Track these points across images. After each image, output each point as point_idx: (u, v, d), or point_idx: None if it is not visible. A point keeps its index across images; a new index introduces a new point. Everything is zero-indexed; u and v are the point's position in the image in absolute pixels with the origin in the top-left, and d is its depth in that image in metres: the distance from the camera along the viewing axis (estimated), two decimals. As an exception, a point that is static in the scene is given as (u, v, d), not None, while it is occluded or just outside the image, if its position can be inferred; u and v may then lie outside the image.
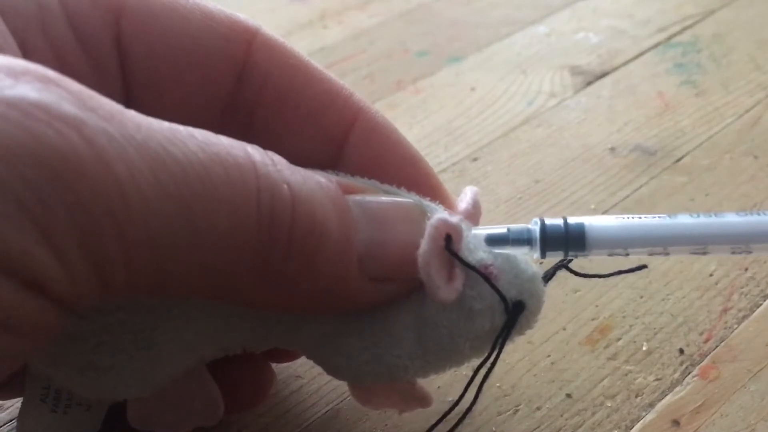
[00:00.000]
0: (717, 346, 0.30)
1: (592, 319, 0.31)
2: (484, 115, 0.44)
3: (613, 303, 0.32)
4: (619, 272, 0.24)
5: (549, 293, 0.32)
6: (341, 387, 0.29)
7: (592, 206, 0.37)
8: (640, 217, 0.23)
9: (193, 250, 0.18)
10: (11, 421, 0.27)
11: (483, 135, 0.43)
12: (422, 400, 0.25)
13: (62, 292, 0.16)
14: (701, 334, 0.30)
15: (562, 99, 0.45)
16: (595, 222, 0.23)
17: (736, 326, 0.31)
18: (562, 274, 0.33)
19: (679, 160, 0.40)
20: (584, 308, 0.32)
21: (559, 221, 0.23)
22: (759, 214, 0.23)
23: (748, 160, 0.40)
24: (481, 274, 0.22)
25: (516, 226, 0.23)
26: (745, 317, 0.31)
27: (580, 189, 0.38)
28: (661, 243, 0.23)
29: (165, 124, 0.18)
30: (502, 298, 0.22)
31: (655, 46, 0.50)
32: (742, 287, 0.32)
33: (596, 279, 0.32)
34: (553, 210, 0.37)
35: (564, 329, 0.31)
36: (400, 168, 0.25)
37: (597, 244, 0.23)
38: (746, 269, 0.33)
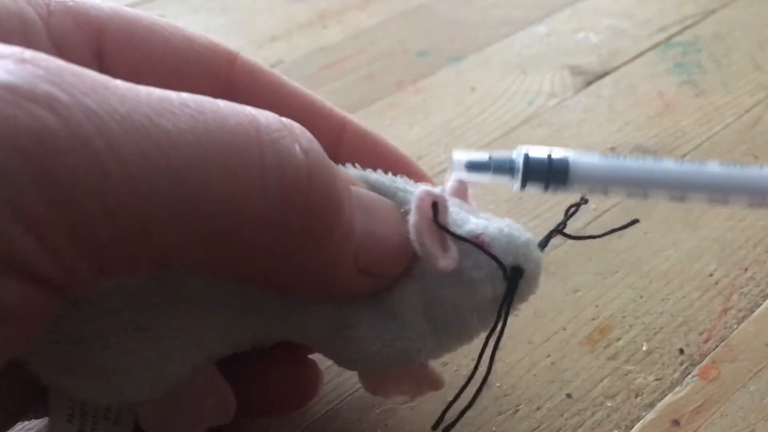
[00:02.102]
0: (717, 346, 0.30)
1: (592, 319, 0.31)
2: (484, 115, 0.44)
3: (613, 303, 0.32)
4: (612, 231, 0.25)
5: (549, 293, 0.32)
6: (341, 387, 0.29)
7: (593, 206, 0.37)
8: (625, 157, 0.23)
9: (188, 220, 0.17)
10: (11, 421, 0.27)
11: (483, 135, 0.43)
12: (435, 382, 0.25)
13: (51, 277, 0.16)
14: (701, 334, 0.30)
15: (563, 99, 0.45)
16: (579, 158, 0.23)
17: (736, 326, 0.31)
18: (562, 273, 0.33)
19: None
20: (584, 308, 0.32)
21: (544, 153, 0.23)
22: (741, 166, 0.23)
23: (748, 161, 0.40)
24: (472, 242, 0.22)
25: (499, 155, 0.23)
26: (745, 317, 0.31)
27: (580, 189, 0.38)
28: (642, 185, 0.23)
29: (155, 94, 0.17)
30: (498, 262, 0.22)
31: (656, 46, 0.50)
32: (742, 287, 0.32)
33: (597, 278, 0.33)
34: (553, 210, 0.37)
35: (564, 329, 0.31)
36: (393, 171, 0.25)
37: (579, 179, 0.23)
38: (746, 269, 0.33)
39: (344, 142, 0.25)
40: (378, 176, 0.24)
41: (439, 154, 0.41)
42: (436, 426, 0.23)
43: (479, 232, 0.22)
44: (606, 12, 0.54)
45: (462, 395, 0.23)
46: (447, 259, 0.22)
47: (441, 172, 0.40)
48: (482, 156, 0.23)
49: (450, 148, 0.41)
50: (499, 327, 0.23)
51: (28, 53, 0.16)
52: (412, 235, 0.22)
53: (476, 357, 0.23)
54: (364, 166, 0.24)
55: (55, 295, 0.17)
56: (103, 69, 0.23)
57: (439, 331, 0.23)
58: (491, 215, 0.24)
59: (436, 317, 0.23)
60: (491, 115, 0.44)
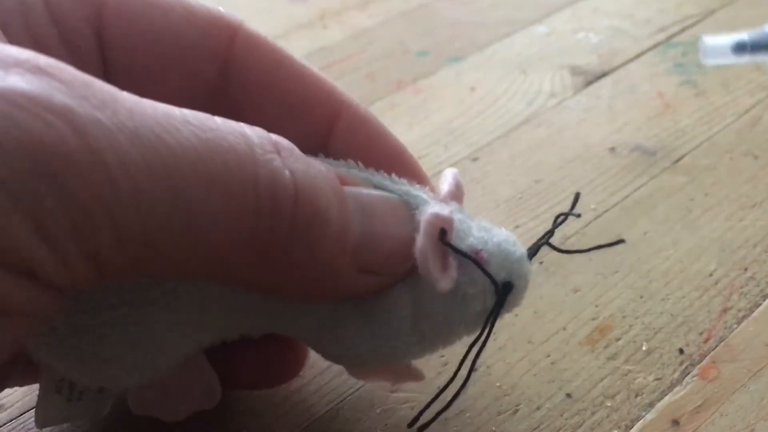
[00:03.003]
0: (717, 346, 0.30)
1: (592, 319, 0.31)
2: (484, 115, 0.44)
3: (613, 303, 0.32)
4: (598, 247, 0.25)
5: (549, 293, 0.32)
6: (341, 387, 0.29)
7: (593, 206, 0.37)
8: None
9: (187, 236, 0.18)
10: (11, 421, 0.27)
11: (483, 135, 0.43)
12: (415, 375, 0.26)
13: (55, 278, 0.17)
14: (701, 334, 0.30)
15: (562, 99, 0.45)
16: None
17: (735, 326, 0.31)
18: (562, 273, 0.33)
19: (679, 160, 0.40)
20: (584, 308, 0.32)
21: None
22: None
23: (748, 160, 0.40)
24: (475, 261, 0.22)
25: (755, 32, 0.22)
26: (744, 317, 0.31)
27: (580, 189, 0.38)
28: None
29: (160, 109, 0.18)
30: (494, 282, 0.22)
31: (655, 46, 0.50)
32: (741, 287, 0.32)
33: (597, 278, 0.33)
34: (553, 210, 0.37)
35: (564, 329, 0.31)
36: (385, 159, 0.25)
37: None
38: (746, 269, 0.33)
39: (338, 128, 0.25)
40: (381, 178, 0.24)
41: (439, 154, 0.41)
42: (411, 424, 0.24)
43: (480, 248, 0.23)
44: (606, 12, 0.54)
45: (461, 397, 0.23)
46: (446, 280, 0.22)
47: (441, 172, 0.39)
48: (741, 36, 0.22)
49: (450, 148, 0.42)
50: (483, 338, 0.23)
51: (43, 60, 0.17)
52: (418, 258, 0.22)
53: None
54: (356, 154, 0.24)
55: (56, 296, 0.17)
56: (102, 45, 0.23)
57: (425, 338, 0.23)
58: (488, 223, 0.24)
59: (425, 327, 0.23)
60: (491, 115, 0.44)
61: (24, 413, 0.28)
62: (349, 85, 0.47)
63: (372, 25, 0.54)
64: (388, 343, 0.23)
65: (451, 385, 0.24)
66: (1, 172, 0.15)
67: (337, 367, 0.29)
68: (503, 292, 0.23)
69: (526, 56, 0.50)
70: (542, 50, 0.50)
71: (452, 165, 0.40)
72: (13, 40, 0.21)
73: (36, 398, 0.25)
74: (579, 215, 0.25)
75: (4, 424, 0.27)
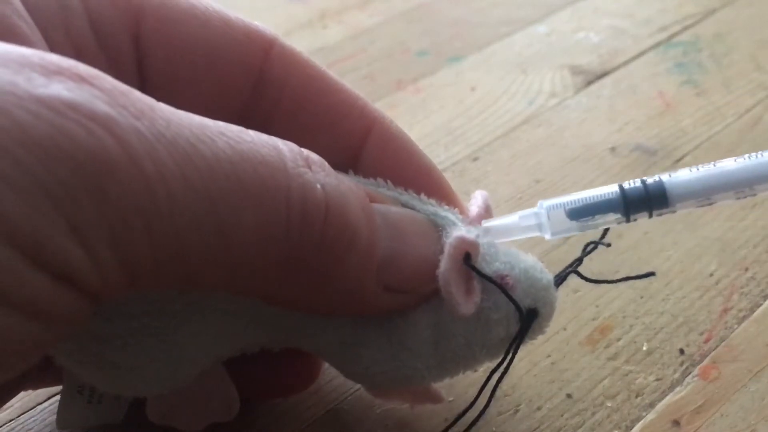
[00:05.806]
0: (717, 346, 0.30)
1: (593, 319, 0.31)
2: (484, 115, 0.44)
3: (613, 303, 0.32)
4: (627, 278, 0.25)
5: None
6: (341, 387, 0.29)
7: (593, 206, 0.37)
8: (714, 165, 0.23)
9: (219, 245, 0.18)
10: (11, 421, 0.27)
11: (483, 135, 0.43)
12: (434, 398, 0.26)
13: (90, 284, 0.17)
14: (701, 334, 0.30)
15: (563, 99, 0.45)
16: (674, 179, 0.23)
17: (736, 326, 0.31)
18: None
19: (679, 159, 0.40)
20: (584, 308, 0.32)
21: (638, 183, 0.23)
22: None
23: (749, 160, 0.40)
24: (500, 286, 0.22)
25: (597, 192, 0.23)
26: (745, 317, 0.31)
27: (581, 189, 0.38)
28: (744, 185, 0.22)
29: (195, 120, 0.18)
30: (518, 307, 0.22)
31: (656, 45, 0.50)
32: (742, 287, 0.32)
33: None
34: (553, 210, 0.37)
35: (564, 329, 0.31)
36: (414, 178, 0.25)
37: (680, 198, 0.23)
38: (746, 269, 0.33)
39: (369, 144, 0.25)
40: (409, 197, 0.24)
41: (439, 154, 0.41)
42: None
43: (506, 273, 0.23)
44: (606, 12, 0.54)
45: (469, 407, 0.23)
46: (468, 305, 0.22)
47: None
48: (581, 199, 0.23)
49: (450, 148, 0.41)
50: (505, 364, 0.23)
51: (83, 69, 0.17)
52: (440, 282, 0.22)
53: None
54: (386, 171, 0.24)
55: (88, 302, 0.17)
56: (139, 53, 0.23)
57: (446, 361, 0.23)
58: (515, 249, 0.24)
59: (445, 350, 0.23)
60: (491, 115, 0.44)
61: (24, 413, 0.28)
62: (349, 85, 0.47)
63: (372, 25, 0.54)
64: (408, 365, 0.23)
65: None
66: (43, 177, 0.15)
67: (337, 368, 0.29)
68: (528, 319, 0.23)
69: (526, 56, 0.50)
70: (542, 50, 0.50)
71: (452, 165, 0.40)
72: (53, 46, 0.21)
73: (36, 399, 0.25)
74: (609, 245, 0.25)
75: (4, 424, 0.27)
